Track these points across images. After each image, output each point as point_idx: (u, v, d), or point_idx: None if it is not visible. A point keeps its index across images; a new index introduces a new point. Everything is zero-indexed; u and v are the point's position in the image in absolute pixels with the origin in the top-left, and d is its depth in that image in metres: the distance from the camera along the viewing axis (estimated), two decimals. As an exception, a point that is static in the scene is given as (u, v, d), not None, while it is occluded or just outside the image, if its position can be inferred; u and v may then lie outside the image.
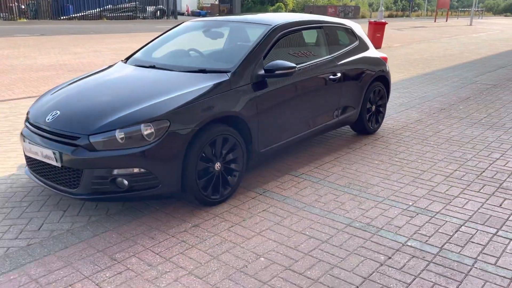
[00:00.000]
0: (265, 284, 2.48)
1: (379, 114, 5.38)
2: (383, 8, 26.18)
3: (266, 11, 47.29)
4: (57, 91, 3.75)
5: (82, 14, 29.98)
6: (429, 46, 16.57)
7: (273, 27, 4.04)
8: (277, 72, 3.66)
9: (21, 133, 3.45)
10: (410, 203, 3.49)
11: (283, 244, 2.90)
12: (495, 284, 2.50)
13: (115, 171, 3.02)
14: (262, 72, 3.70)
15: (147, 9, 36.10)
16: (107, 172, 3.02)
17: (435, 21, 39.03)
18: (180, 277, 2.55)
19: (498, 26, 34.74)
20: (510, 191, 3.73)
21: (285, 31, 4.12)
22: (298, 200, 3.55)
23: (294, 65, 3.72)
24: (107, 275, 2.56)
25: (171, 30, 4.75)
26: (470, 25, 36.72)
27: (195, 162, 3.18)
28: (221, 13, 44.13)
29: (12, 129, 5.27)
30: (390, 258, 2.74)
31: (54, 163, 3.09)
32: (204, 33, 4.64)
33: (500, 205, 3.48)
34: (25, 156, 3.46)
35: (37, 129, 3.29)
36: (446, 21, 40.81)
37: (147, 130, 3.01)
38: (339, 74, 4.50)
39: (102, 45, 14.44)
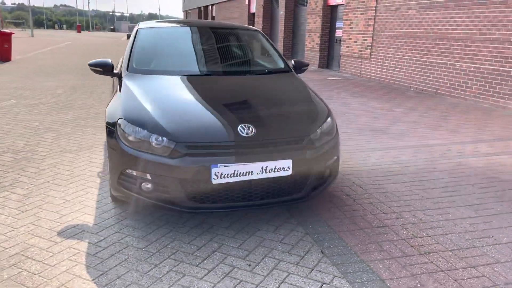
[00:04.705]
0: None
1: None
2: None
3: None
4: (177, 114, 3.13)
5: None
6: (53, 56, 18.55)
7: (260, 31, 4.72)
8: (303, 68, 4.42)
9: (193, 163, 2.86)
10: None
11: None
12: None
13: (328, 163, 3.25)
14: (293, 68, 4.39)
15: None
16: (326, 166, 3.22)
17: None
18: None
19: (57, 38, 39.13)
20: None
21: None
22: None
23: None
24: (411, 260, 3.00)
25: (138, 37, 4.30)
26: (33, 36, 37.73)
27: None
28: None
29: None
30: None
31: (283, 173, 2.98)
32: (191, 38, 4.54)
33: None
34: (210, 188, 2.91)
35: (232, 148, 2.94)
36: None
37: (331, 123, 3.42)
38: None
39: None
